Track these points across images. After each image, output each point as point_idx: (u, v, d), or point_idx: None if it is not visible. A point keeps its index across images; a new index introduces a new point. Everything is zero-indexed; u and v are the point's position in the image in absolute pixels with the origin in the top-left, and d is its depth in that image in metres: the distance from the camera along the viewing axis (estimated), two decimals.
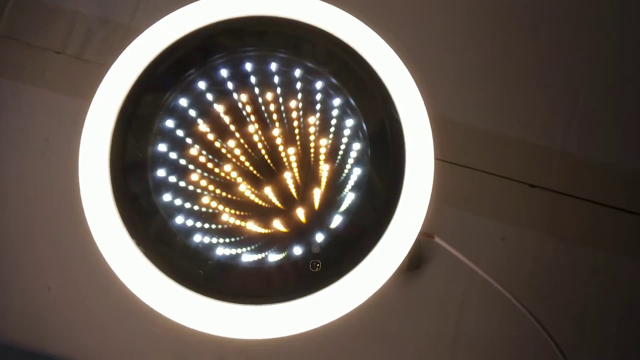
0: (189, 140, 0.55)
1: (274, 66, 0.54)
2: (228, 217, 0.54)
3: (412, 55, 0.53)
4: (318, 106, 0.54)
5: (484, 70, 0.65)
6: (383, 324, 0.59)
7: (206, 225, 0.53)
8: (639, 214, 0.61)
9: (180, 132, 0.54)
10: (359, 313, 0.58)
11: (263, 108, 0.55)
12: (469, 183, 0.62)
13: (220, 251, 0.51)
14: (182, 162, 0.54)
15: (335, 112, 0.53)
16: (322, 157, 0.54)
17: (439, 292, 0.59)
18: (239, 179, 0.55)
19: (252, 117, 0.56)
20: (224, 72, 0.55)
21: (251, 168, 0.55)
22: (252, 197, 0.55)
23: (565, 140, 0.63)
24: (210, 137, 0.55)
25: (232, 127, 0.55)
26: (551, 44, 0.66)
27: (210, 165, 0.55)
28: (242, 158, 0.55)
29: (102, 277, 0.56)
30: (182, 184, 0.54)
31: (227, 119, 0.55)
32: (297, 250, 0.49)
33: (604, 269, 0.60)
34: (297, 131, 0.55)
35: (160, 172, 0.53)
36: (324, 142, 0.54)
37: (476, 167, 0.62)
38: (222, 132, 0.55)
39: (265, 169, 0.54)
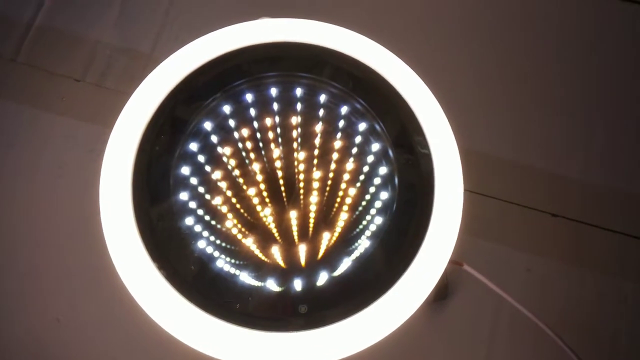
0: (210, 166, 0.54)
1: (322, 98, 0.54)
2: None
3: (439, 87, 0.54)
4: (354, 149, 0.54)
5: (505, 103, 0.66)
6: (409, 357, 0.56)
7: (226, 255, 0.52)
8: None
9: (202, 157, 0.54)
10: (384, 347, 0.56)
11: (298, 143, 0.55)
12: (492, 213, 0.61)
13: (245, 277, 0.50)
14: (204, 187, 0.53)
15: (369, 156, 0.53)
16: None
17: (467, 323, 0.57)
18: (260, 206, 0.54)
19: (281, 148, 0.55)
20: (248, 97, 0.55)
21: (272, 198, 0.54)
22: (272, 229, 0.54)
23: (585, 170, 0.63)
24: (233, 163, 0.54)
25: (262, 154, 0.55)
26: (569, 79, 0.67)
27: (231, 191, 0.54)
28: (264, 187, 0.55)
29: (116, 307, 0.53)
30: (202, 210, 0.53)
31: (252, 145, 0.55)
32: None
33: (632, 300, 0.59)
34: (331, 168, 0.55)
35: (183, 196, 0.52)
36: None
37: (498, 197, 0.62)
38: (246, 157, 0.55)
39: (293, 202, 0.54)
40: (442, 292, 0.57)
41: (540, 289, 0.59)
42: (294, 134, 0.55)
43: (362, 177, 0.54)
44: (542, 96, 0.66)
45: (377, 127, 0.53)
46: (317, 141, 0.55)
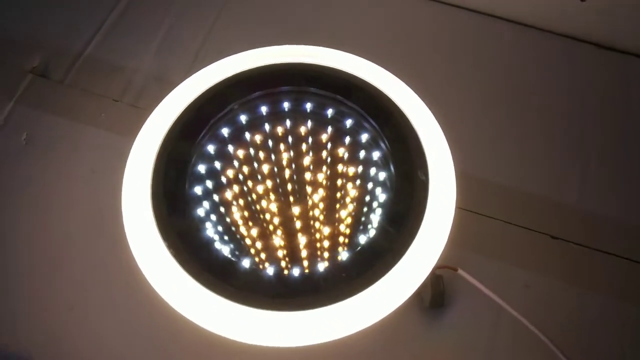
0: (223, 165, 0.59)
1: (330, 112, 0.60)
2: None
3: (445, 113, 0.59)
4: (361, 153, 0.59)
5: (508, 133, 0.71)
6: None
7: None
8: None
9: (217, 159, 0.59)
10: (380, 352, 0.57)
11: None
12: (494, 232, 0.64)
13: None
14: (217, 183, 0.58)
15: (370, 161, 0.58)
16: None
17: (465, 332, 0.58)
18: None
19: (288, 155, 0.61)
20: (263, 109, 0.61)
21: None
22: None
23: (583, 196, 0.66)
24: (245, 169, 0.60)
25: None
26: (563, 111, 0.72)
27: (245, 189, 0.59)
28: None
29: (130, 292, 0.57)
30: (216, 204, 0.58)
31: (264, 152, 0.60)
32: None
33: (633, 323, 0.59)
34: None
35: (197, 190, 0.57)
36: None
37: (499, 218, 0.64)
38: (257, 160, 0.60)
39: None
40: (439, 300, 0.58)
41: (539, 305, 0.60)
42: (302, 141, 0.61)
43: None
44: (544, 129, 0.71)
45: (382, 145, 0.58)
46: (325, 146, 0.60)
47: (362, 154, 0.58)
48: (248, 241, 0.58)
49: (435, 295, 0.57)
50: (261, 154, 0.61)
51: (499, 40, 0.77)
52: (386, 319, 0.51)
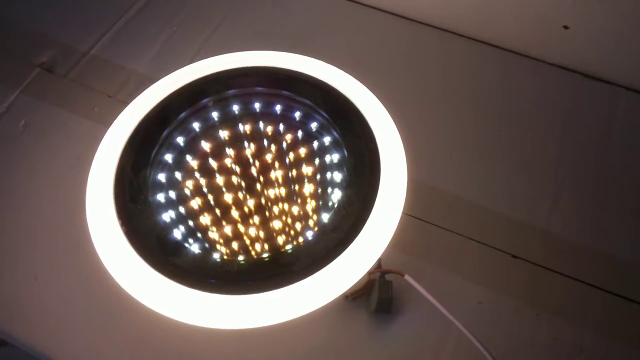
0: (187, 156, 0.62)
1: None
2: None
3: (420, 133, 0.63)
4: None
5: (478, 150, 0.71)
6: None
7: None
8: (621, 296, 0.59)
9: (182, 149, 0.63)
10: (317, 350, 0.57)
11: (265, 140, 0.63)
12: (450, 245, 0.63)
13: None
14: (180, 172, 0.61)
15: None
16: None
17: (410, 342, 0.57)
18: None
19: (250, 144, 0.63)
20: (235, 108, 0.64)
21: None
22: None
23: (550, 220, 0.65)
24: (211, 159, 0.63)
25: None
26: (542, 136, 0.72)
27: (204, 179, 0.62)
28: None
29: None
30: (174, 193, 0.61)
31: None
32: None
33: (588, 350, 0.57)
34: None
35: (160, 177, 0.60)
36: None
37: (461, 233, 0.64)
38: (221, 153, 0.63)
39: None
40: (386, 305, 0.58)
41: (490, 323, 0.59)
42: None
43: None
44: (515, 151, 0.71)
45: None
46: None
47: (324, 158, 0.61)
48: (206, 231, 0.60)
49: (381, 299, 0.57)
50: (223, 149, 0.64)
51: (485, 63, 0.79)
52: (324, 315, 0.52)
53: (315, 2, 0.86)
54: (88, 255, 0.54)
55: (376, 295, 0.58)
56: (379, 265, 0.58)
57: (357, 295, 0.58)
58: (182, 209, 0.60)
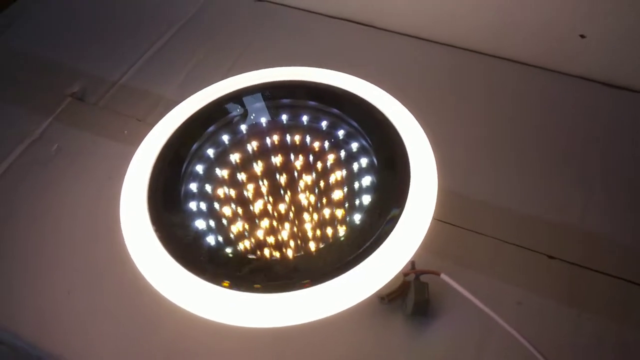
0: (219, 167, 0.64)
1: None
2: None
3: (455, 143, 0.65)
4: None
5: (511, 161, 0.71)
6: None
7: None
8: None
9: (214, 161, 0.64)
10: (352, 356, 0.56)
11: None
12: (487, 250, 0.63)
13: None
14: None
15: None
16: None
17: (450, 343, 0.56)
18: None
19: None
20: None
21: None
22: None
23: (584, 218, 0.65)
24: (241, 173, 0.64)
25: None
26: (567, 143, 0.72)
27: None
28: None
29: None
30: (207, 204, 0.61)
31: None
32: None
33: (634, 347, 0.55)
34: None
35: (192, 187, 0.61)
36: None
37: (495, 236, 0.63)
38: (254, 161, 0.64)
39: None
40: (422, 308, 0.56)
41: (530, 323, 0.57)
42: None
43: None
44: (548, 156, 0.71)
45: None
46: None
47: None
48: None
49: (418, 302, 0.56)
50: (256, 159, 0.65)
51: (504, 78, 0.80)
52: (360, 318, 0.51)
53: (336, 27, 0.90)
54: (124, 263, 0.55)
55: (412, 297, 0.57)
56: (412, 266, 0.57)
57: (393, 297, 0.57)
58: (223, 212, 0.61)
